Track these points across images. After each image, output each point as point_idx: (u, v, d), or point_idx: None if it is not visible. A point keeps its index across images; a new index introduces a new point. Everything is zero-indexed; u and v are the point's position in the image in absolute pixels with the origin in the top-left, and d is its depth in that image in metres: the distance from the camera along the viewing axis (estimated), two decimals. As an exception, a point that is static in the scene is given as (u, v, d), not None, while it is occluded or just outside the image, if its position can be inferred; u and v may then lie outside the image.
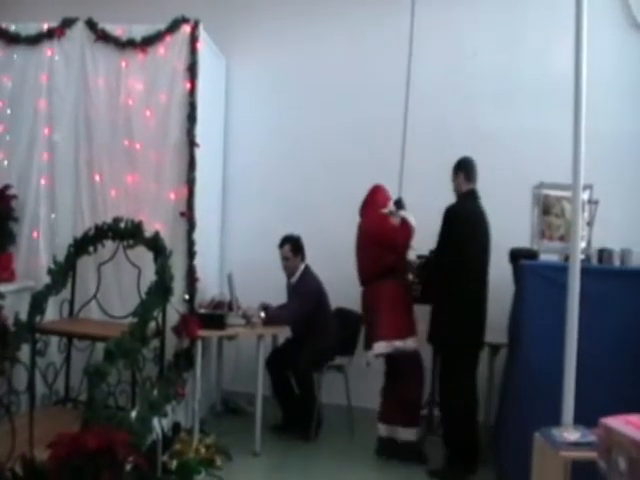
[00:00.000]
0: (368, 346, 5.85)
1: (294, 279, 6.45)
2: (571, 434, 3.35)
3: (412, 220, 5.87)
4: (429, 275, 5.93)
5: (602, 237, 5.30)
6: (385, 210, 5.94)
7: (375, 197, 6.04)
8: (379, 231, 5.90)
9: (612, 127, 6.39)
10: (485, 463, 5.79)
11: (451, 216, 5.58)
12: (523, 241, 5.55)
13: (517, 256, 5.46)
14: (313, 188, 6.53)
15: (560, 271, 4.14)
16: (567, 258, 4.07)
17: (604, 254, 5.22)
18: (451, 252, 5.50)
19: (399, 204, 6.01)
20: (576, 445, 3.25)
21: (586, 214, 5.17)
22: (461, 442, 5.58)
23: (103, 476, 3.28)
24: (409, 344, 5.77)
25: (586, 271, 3.75)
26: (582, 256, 4.72)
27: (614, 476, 2.75)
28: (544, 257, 5.38)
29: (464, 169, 5.72)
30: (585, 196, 5.08)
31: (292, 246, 6.42)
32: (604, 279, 4.89)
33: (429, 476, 5.56)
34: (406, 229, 5.87)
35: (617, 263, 5.19)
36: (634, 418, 2.84)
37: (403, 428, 5.83)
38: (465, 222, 5.59)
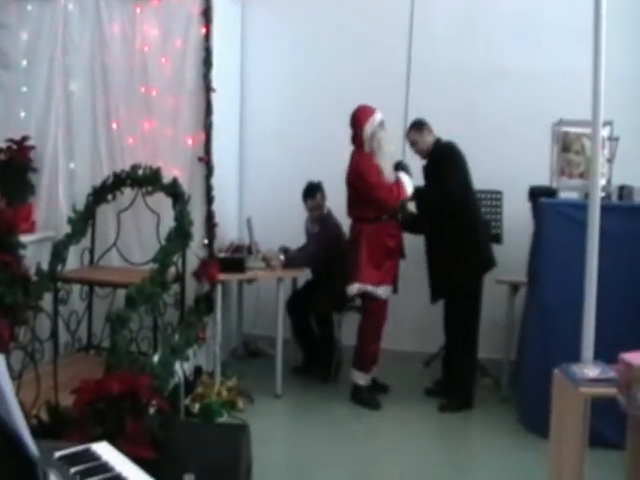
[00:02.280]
0: (348, 283, 5.85)
1: (318, 225, 6.47)
2: (591, 370, 3.35)
3: (408, 185, 5.78)
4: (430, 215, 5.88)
5: (622, 174, 5.24)
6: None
7: (359, 124, 5.85)
8: (368, 187, 5.73)
9: (632, 63, 6.28)
10: (506, 399, 5.87)
11: (449, 153, 5.72)
12: (542, 179, 5.49)
13: (536, 194, 5.44)
14: (330, 131, 6.47)
15: (580, 209, 4.11)
16: (587, 195, 4.03)
17: (624, 191, 5.17)
18: (459, 188, 5.59)
19: (400, 166, 5.90)
20: (596, 381, 3.25)
21: (606, 151, 5.10)
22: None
23: (127, 420, 3.32)
24: (379, 292, 5.77)
25: (606, 208, 3.71)
26: (602, 193, 4.68)
27: (633, 411, 2.76)
28: (563, 195, 5.33)
29: (425, 123, 5.83)
30: (605, 133, 5.01)
31: (322, 193, 6.42)
32: (624, 216, 4.88)
33: (440, 411, 5.71)
34: (398, 192, 5.73)
35: (637, 200, 5.14)
36: (654, 354, 2.84)
37: (356, 371, 5.91)
38: (461, 158, 5.75)
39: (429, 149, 5.83)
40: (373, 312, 5.84)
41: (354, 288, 5.76)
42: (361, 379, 5.88)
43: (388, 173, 5.75)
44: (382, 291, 5.77)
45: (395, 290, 5.92)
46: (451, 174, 5.59)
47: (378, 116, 5.79)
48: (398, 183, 5.74)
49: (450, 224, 5.59)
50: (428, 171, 5.87)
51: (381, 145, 5.75)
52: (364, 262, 5.72)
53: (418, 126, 5.85)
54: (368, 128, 5.76)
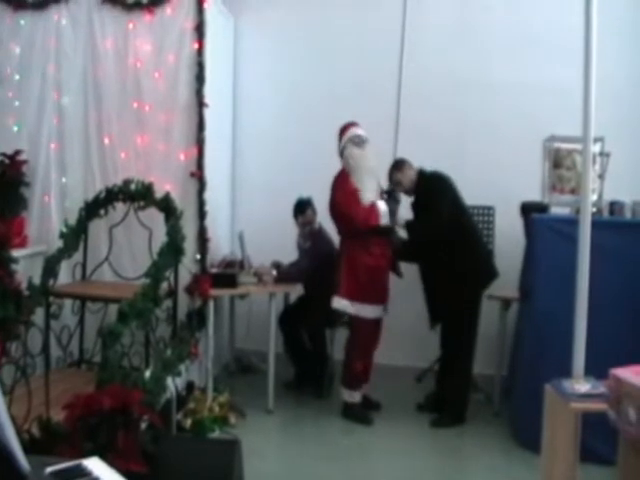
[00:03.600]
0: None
1: (308, 240, 6.46)
2: (581, 385, 3.36)
3: (384, 213, 5.74)
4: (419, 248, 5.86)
5: (614, 190, 5.27)
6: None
7: (338, 139, 5.92)
8: (341, 209, 5.76)
9: (624, 79, 6.33)
10: (498, 415, 5.88)
11: (433, 187, 5.70)
12: (534, 194, 5.53)
13: (528, 210, 5.47)
14: (322, 147, 6.45)
15: (571, 224, 4.13)
16: (578, 211, 4.04)
17: (615, 207, 5.21)
18: (447, 219, 5.55)
19: (389, 196, 5.89)
20: (586, 396, 3.26)
21: (597, 167, 5.14)
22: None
23: (118, 435, 3.31)
24: (361, 311, 5.77)
25: (597, 224, 3.73)
26: (593, 209, 4.71)
27: (624, 426, 2.76)
28: (555, 210, 5.36)
29: (404, 161, 5.84)
30: (596, 149, 5.04)
31: (312, 209, 6.41)
32: (615, 231, 4.90)
33: (431, 426, 5.70)
34: (368, 216, 5.69)
35: (628, 215, 5.18)
36: (644, 369, 2.85)
37: (345, 389, 5.92)
38: (445, 188, 5.71)
39: (413, 184, 5.81)
40: (359, 330, 5.85)
41: (335, 301, 5.81)
42: (350, 397, 5.89)
43: (368, 190, 5.72)
44: (366, 311, 5.78)
45: (385, 309, 5.92)
46: (437, 208, 5.55)
47: (352, 131, 5.84)
48: (372, 208, 5.69)
49: (444, 252, 5.60)
50: (415, 206, 5.88)
51: (354, 161, 5.74)
52: (344, 276, 5.77)
53: (398, 166, 5.82)
54: (341, 143, 5.85)
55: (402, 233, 5.84)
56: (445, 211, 5.52)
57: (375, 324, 5.89)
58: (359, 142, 5.78)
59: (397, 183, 5.85)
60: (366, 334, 5.86)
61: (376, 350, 6.01)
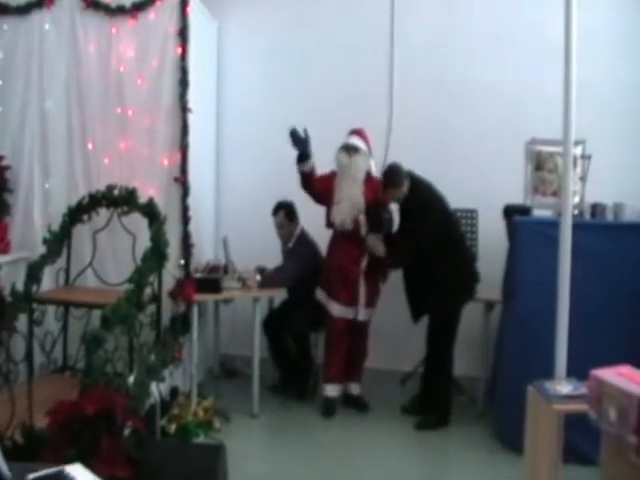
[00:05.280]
0: None
1: (290, 244, 6.46)
2: (563, 387, 3.38)
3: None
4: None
5: (595, 192, 5.30)
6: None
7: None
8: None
9: (604, 81, 6.37)
10: (482, 416, 5.90)
11: (419, 202, 5.71)
12: (516, 197, 5.55)
13: (511, 212, 5.49)
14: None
15: (553, 226, 4.13)
16: (560, 213, 4.06)
17: (597, 209, 5.24)
18: (432, 232, 5.60)
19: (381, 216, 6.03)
20: (568, 398, 3.29)
21: (579, 169, 5.17)
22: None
23: (102, 441, 3.30)
24: (330, 306, 6.04)
25: (578, 226, 3.76)
26: (575, 211, 4.74)
27: (605, 426, 2.78)
28: (538, 213, 5.38)
29: (399, 177, 5.73)
30: (578, 151, 5.07)
31: (286, 213, 6.43)
32: (597, 234, 4.93)
33: (416, 429, 5.73)
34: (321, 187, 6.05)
35: (610, 217, 5.21)
36: (624, 369, 2.87)
37: (325, 383, 6.15)
38: (431, 201, 5.74)
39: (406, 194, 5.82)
40: (328, 325, 6.12)
41: (317, 291, 6.18)
42: (323, 390, 6.15)
43: (349, 198, 5.91)
44: (333, 308, 6.02)
45: (359, 313, 6.04)
46: (421, 223, 5.60)
47: (348, 138, 6.01)
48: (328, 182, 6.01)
49: (427, 264, 5.64)
50: (402, 213, 5.90)
51: (340, 167, 5.98)
52: (323, 270, 6.13)
53: (395, 182, 5.71)
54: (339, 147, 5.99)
55: (379, 250, 5.88)
56: (430, 231, 5.56)
57: (344, 323, 6.03)
58: (349, 150, 5.92)
59: (393, 197, 5.84)
60: (333, 330, 6.08)
61: (357, 353, 6.19)
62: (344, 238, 6.00)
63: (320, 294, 6.15)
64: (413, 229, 5.65)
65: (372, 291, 6.08)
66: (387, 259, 5.87)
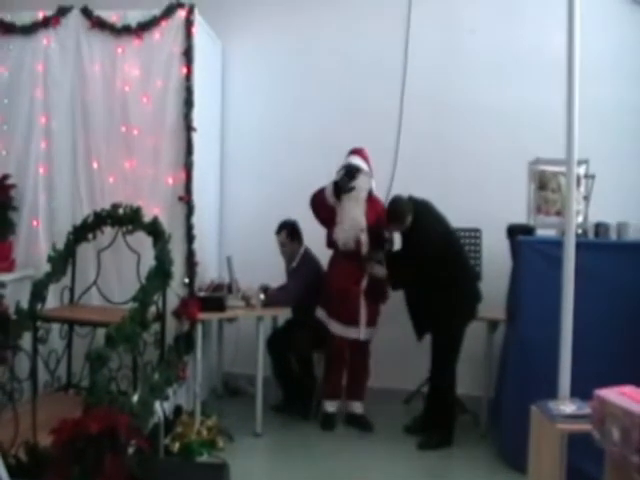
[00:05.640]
0: None
1: (294, 263, 6.47)
2: (567, 407, 3.39)
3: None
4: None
5: (599, 211, 5.30)
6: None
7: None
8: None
9: (608, 101, 6.40)
10: (485, 437, 5.88)
11: (420, 226, 5.71)
12: (520, 217, 5.56)
13: (514, 232, 5.49)
14: (311, 170, 6.49)
15: (557, 246, 4.14)
16: (564, 233, 4.07)
17: (600, 228, 5.24)
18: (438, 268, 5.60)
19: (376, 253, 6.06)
20: (572, 417, 3.29)
21: (582, 189, 5.18)
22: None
23: (106, 459, 3.31)
24: (330, 325, 6.09)
25: (582, 245, 3.78)
26: (579, 230, 4.75)
27: (608, 446, 2.78)
28: (541, 232, 5.39)
29: (403, 213, 5.73)
30: (581, 171, 5.08)
31: (288, 232, 6.44)
32: (600, 253, 4.94)
33: (419, 448, 5.70)
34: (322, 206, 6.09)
35: (614, 237, 5.21)
36: (628, 389, 2.87)
37: (323, 399, 6.25)
38: (430, 223, 5.74)
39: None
40: (329, 343, 6.15)
41: (317, 310, 6.23)
42: (322, 405, 6.23)
43: (352, 218, 5.97)
44: (333, 326, 6.07)
45: (362, 332, 6.06)
46: (421, 250, 5.62)
47: (350, 159, 6.05)
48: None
49: (429, 286, 5.65)
50: (404, 238, 5.92)
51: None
52: (323, 288, 6.17)
53: (400, 219, 5.72)
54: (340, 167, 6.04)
55: (378, 270, 5.94)
56: (430, 256, 5.55)
57: (344, 342, 6.08)
58: (350, 171, 5.95)
59: (397, 230, 5.91)
60: (333, 349, 6.15)
61: (359, 372, 6.22)
62: (345, 258, 6.03)
63: (320, 313, 6.18)
64: (414, 255, 5.67)
65: (373, 310, 6.11)
66: (387, 281, 5.92)
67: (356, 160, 6.00)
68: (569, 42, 3.64)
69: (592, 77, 4.99)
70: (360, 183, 5.95)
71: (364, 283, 6.03)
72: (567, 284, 3.58)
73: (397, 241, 6.03)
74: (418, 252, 5.63)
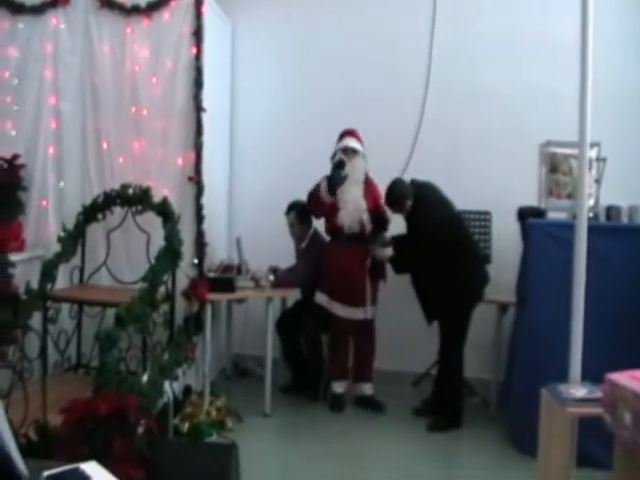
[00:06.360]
0: None
1: (303, 244, 6.48)
2: (578, 390, 3.37)
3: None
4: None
5: (610, 194, 5.27)
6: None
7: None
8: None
9: (619, 84, 6.33)
10: (494, 419, 5.89)
11: (422, 210, 5.73)
12: (531, 199, 5.54)
13: (525, 214, 5.48)
14: (320, 152, 6.47)
15: (567, 229, 4.12)
16: (575, 216, 4.05)
17: (612, 211, 5.21)
18: (440, 253, 5.61)
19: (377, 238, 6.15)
20: (583, 401, 3.28)
21: (594, 172, 5.14)
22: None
23: (115, 440, 3.31)
24: (332, 307, 6.11)
25: (593, 228, 3.74)
26: (590, 214, 4.72)
27: (619, 430, 2.77)
28: (552, 215, 5.37)
29: (403, 198, 5.76)
30: (593, 154, 5.04)
31: (297, 213, 6.45)
32: (612, 236, 4.90)
33: (428, 431, 5.71)
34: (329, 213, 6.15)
35: (625, 220, 5.19)
36: (639, 374, 2.86)
37: (331, 380, 6.30)
38: (433, 205, 5.75)
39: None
40: (332, 325, 6.18)
41: (317, 295, 6.21)
42: (336, 387, 6.24)
43: (354, 201, 6.06)
44: (336, 309, 6.11)
45: (365, 312, 6.12)
46: (423, 235, 5.64)
47: (345, 140, 6.12)
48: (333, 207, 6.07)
49: (434, 267, 5.65)
50: (407, 221, 5.91)
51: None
52: (323, 273, 6.18)
53: (399, 202, 5.78)
54: (334, 150, 6.14)
55: (380, 252, 6.01)
56: (433, 241, 5.57)
57: (348, 324, 6.11)
58: (348, 153, 6.04)
59: (398, 212, 5.91)
60: (337, 331, 6.20)
61: (368, 352, 6.27)
62: (349, 240, 6.05)
63: (321, 297, 6.17)
64: (416, 238, 5.68)
65: (375, 289, 6.19)
66: (389, 262, 5.97)
67: (352, 142, 6.06)
68: (582, 24, 3.60)
69: (604, 59, 4.95)
70: (356, 164, 6.03)
71: (368, 263, 6.08)
72: (579, 267, 3.56)
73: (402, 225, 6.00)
74: (421, 235, 5.63)
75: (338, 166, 5.99)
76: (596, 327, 3.93)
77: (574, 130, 3.71)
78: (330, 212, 6.12)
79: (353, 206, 6.00)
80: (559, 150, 5.29)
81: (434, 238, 5.54)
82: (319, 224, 6.45)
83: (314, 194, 6.13)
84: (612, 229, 5.07)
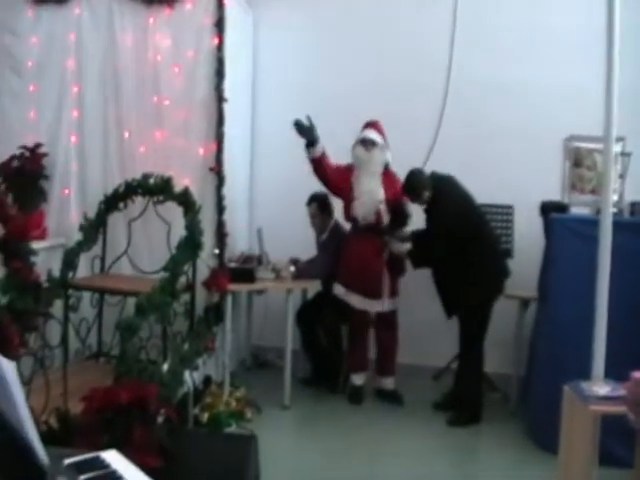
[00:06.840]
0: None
1: (324, 236, 6.47)
2: (601, 388, 3.35)
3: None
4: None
5: (635, 190, 5.23)
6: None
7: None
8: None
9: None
10: (515, 415, 5.86)
11: (441, 204, 5.70)
12: (554, 194, 5.50)
13: (548, 209, 5.44)
14: (342, 144, 6.44)
15: (591, 224, 4.10)
16: (598, 211, 4.02)
17: (636, 207, 5.17)
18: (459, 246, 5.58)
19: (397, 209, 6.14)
20: (606, 399, 3.25)
21: (618, 167, 5.09)
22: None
23: (135, 429, 3.32)
24: (349, 298, 6.10)
25: (617, 224, 3.71)
26: (614, 209, 4.68)
27: (643, 429, 2.75)
28: (575, 210, 5.33)
29: (418, 189, 5.74)
30: (617, 148, 4.99)
31: (319, 204, 6.44)
32: (636, 232, 4.85)
33: (448, 425, 5.70)
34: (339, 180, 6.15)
35: (649, 216, 5.15)
36: (664, 371, 2.83)
37: (350, 372, 6.29)
38: (452, 199, 5.72)
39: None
40: (350, 316, 6.17)
41: (334, 287, 6.20)
42: (356, 379, 6.25)
43: (369, 193, 6.02)
44: (352, 300, 6.10)
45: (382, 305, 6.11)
46: (442, 230, 5.63)
47: (365, 132, 6.08)
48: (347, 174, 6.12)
49: (454, 260, 5.61)
50: (426, 214, 5.89)
51: (358, 160, 6.08)
52: (341, 264, 6.15)
53: (416, 192, 5.76)
54: (355, 141, 6.08)
55: (398, 247, 5.98)
56: (451, 228, 5.55)
57: (366, 316, 6.13)
58: (366, 144, 6.01)
59: (415, 202, 5.91)
60: (355, 323, 6.20)
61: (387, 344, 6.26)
62: (365, 231, 6.05)
63: (339, 289, 6.17)
64: (435, 232, 5.67)
65: (394, 281, 6.15)
66: (407, 257, 5.96)
67: (372, 134, 6.02)
68: (608, 18, 3.57)
69: (629, 55, 4.89)
70: (377, 157, 5.99)
71: (385, 254, 6.06)
72: (603, 263, 3.53)
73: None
74: (439, 228, 5.61)
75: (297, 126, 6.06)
76: (619, 324, 3.90)
77: (598, 124, 3.68)
78: (347, 201, 6.13)
79: (368, 197, 5.98)
80: (583, 145, 5.25)
81: (453, 232, 5.52)
82: (339, 215, 6.41)
83: (313, 165, 6.14)
84: (636, 225, 5.02)
